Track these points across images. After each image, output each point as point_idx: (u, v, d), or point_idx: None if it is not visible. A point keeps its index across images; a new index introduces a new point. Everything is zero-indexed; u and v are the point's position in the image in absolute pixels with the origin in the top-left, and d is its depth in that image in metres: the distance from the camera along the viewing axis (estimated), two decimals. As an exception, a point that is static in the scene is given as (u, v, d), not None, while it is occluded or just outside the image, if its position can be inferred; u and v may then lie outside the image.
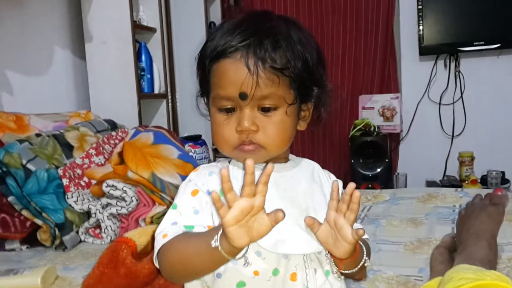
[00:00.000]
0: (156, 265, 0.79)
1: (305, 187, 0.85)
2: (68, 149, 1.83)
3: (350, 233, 0.74)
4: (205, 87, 0.83)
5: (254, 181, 0.65)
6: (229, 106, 0.78)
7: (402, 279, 1.20)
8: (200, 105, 0.89)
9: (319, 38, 3.56)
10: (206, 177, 0.82)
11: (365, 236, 0.95)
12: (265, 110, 0.78)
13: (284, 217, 0.65)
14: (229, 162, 0.85)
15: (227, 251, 0.67)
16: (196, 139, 2.88)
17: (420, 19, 3.28)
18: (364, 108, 3.42)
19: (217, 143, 0.82)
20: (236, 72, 0.75)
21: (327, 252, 0.84)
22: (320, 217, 0.81)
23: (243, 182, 0.65)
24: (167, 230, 0.77)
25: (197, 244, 0.72)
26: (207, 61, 0.80)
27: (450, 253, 1.16)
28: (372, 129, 3.25)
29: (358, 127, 3.28)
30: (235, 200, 0.64)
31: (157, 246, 0.77)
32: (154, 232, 1.19)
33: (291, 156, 0.89)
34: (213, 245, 0.67)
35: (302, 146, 3.60)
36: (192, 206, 0.79)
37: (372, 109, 3.39)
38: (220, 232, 0.67)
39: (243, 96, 0.76)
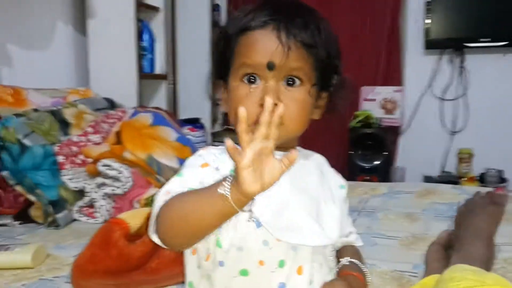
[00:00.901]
0: (152, 230, 0.75)
1: (315, 178, 0.84)
2: (65, 126, 1.81)
3: None
4: (226, 64, 0.80)
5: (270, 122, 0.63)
6: (253, 74, 0.76)
7: (396, 274, 1.19)
8: (209, 89, 0.88)
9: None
10: (216, 155, 0.80)
11: (359, 244, 0.95)
12: (290, 83, 0.76)
13: (296, 156, 0.63)
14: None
15: (236, 200, 0.64)
16: (194, 122, 2.87)
17: (428, 12, 3.24)
18: (366, 99, 3.39)
19: (235, 118, 0.78)
20: (267, 42, 0.75)
21: (332, 249, 0.83)
22: (329, 209, 0.81)
23: (260, 122, 0.63)
24: (170, 189, 0.74)
25: (201, 194, 0.69)
26: (235, 34, 0.78)
27: (446, 250, 1.15)
28: (372, 121, 3.23)
29: (358, 119, 3.25)
30: (251, 143, 0.62)
31: (158, 205, 0.73)
32: (148, 214, 1.17)
33: (298, 148, 0.87)
34: (221, 192, 0.64)
35: (301, 135, 3.57)
36: (199, 177, 0.76)
37: (373, 101, 3.36)
38: (229, 179, 0.64)
39: (271, 65, 0.74)
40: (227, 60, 0.80)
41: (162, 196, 0.74)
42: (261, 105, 0.72)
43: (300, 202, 0.75)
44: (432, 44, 3.28)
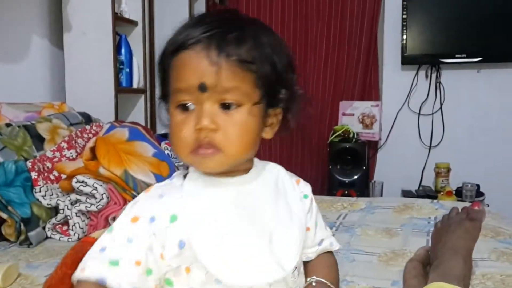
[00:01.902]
0: None
1: (269, 202, 0.79)
2: (39, 141, 1.77)
3: None
4: (166, 87, 0.76)
5: None
6: (188, 102, 0.71)
7: (375, 291, 1.18)
8: (162, 115, 0.81)
9: (303, 41, 3.54)
10: (154, 201, 0.74)
11: (335, 248, 0.91)
12: (226, 106, 0.71)
13: None
14: (184, 176, 0.78)
15: None
16: (173, 137, 2.83)
17: (404, 28, 3.29)
18: (344, 114, 3.41)
19: (174, 146, 0.75)
20: (196, 63, 0.70)
21: (294, 270, 0.78)
22: (285, 233, 0.77)
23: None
24: (88, 263, 0.70)
25: None
26: (169, 55, 0.74)
27: (424, 266, 1.14)
28: (351, 135, 3.24)
29: (337, 133, 3.26)
30: None
31: (74, 277, 0.70)
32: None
33: (255, 161, 0.83)
34: None
35: (280, 149, 3.57)
36: (127, 235, 0.71)
37: (352, 115, 3.38)
38: None
39: (202, 87, 0.70)
40: (167, 83, 0.76)
41: (78, 271, 0.70)
42: (199, 129, 0.70)
43: (249, 236, 0.71)
44: (408, 60, 3.33)
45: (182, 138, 0.72)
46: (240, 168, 0.78)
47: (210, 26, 0.71)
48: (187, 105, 0.72)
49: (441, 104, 3.37)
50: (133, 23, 2.76)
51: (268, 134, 0.79)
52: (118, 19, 2.58)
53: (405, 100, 3.43)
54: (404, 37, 3.30)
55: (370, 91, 3.49)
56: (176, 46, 0.72)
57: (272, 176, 0.83)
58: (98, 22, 2.47)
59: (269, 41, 0.75)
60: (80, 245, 1.08)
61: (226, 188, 0.76)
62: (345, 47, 3.48)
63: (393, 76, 3.47)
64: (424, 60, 3.33)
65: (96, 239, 1.09)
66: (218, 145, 0.71)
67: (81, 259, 1.04)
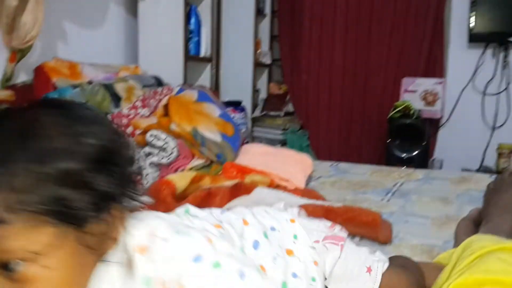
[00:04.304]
0: None
1: None
2: (116, 99, 1.92)
3: None
4: None
5: None
6: None
7: (427, 247, 1.24)
8: None
9: (367, 15, 3.53)
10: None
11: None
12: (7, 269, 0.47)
13: None
14: None
15: None
16: (236, 105, 2.95)
17: (473, 5, 3.22)
18: (406, 90, 3.40)
19: None
20: None
21: None
22: None
23: None
24: None
25: None
26: None
27: (476, 225, 1.19)
28: (412, 112, 3.23)
29: (397, 109, 3.26)
30: None
31: None
32: (193, 177, 1.26)
33: None
34: None
35: (339, 124, 3.61)
36: None
37: (414, 92, 3.37)
38: None
39: None
40: None
41: None
42: None
43: None
44: (476, 38, 3.26)
45: None
46: None
47: None
48: None
49: (507, 84, 3.29)
50: (203, -6, 2.87)
51: (103, 249, 0.55)
52: (189, -10, 2.69)
53: (470, 79, 3.37)
54: (472, 14, 3.23)
55: (434, 68, 3.45)
56: None
57: None
58: (170, -8, 2.59)
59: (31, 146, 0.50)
60: (157, 184, 1.20)
61: None
62: (410, 23, 3.44)
63: (459, 54, 3.40)
64: (492, 38, 3.25)
65: (170, 181, 1.21)
66: None
67: (157, 196, 1.17)
